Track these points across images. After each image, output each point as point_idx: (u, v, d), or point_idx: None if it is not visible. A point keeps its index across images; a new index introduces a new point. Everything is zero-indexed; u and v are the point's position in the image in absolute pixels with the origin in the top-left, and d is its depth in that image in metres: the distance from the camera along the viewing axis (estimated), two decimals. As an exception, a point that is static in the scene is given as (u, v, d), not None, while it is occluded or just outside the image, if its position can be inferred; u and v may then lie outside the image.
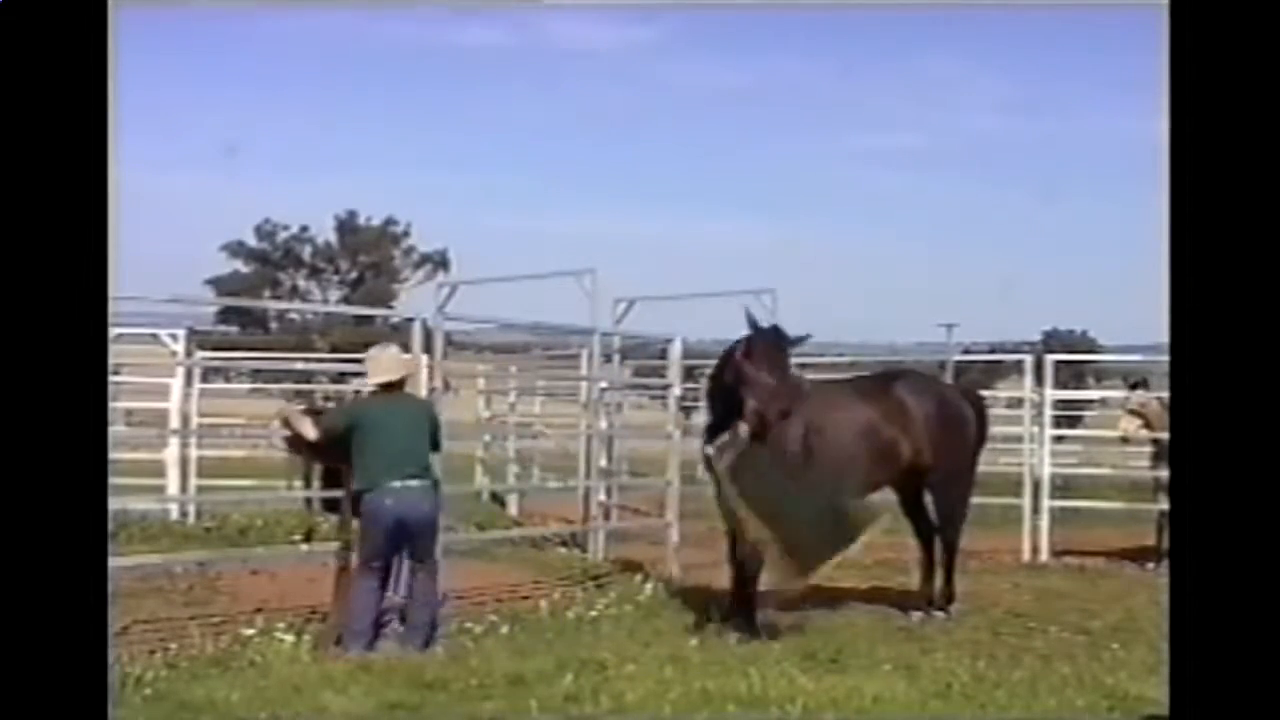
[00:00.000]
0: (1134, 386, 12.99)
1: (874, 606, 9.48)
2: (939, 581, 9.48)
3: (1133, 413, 12.50)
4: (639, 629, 8.11)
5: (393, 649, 7.26)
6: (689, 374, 12.67)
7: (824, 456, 8.74)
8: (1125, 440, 13.09)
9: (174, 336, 14.13)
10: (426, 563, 7.52)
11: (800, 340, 8.44)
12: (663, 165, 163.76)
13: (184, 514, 13.62)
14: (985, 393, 12.18)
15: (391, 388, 7.63)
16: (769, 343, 8.25)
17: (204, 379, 16.45)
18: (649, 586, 9.86)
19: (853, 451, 8.92)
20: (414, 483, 7.37)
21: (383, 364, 7.69)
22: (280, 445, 8.66)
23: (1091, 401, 22.23)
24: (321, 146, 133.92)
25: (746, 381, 8.04)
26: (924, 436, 9.07)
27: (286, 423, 7.92)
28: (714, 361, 9.30)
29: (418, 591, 7.48)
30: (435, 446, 7.73)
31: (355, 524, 7.51)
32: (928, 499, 9.54)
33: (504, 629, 7.97)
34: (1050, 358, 14.56)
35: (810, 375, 10.73)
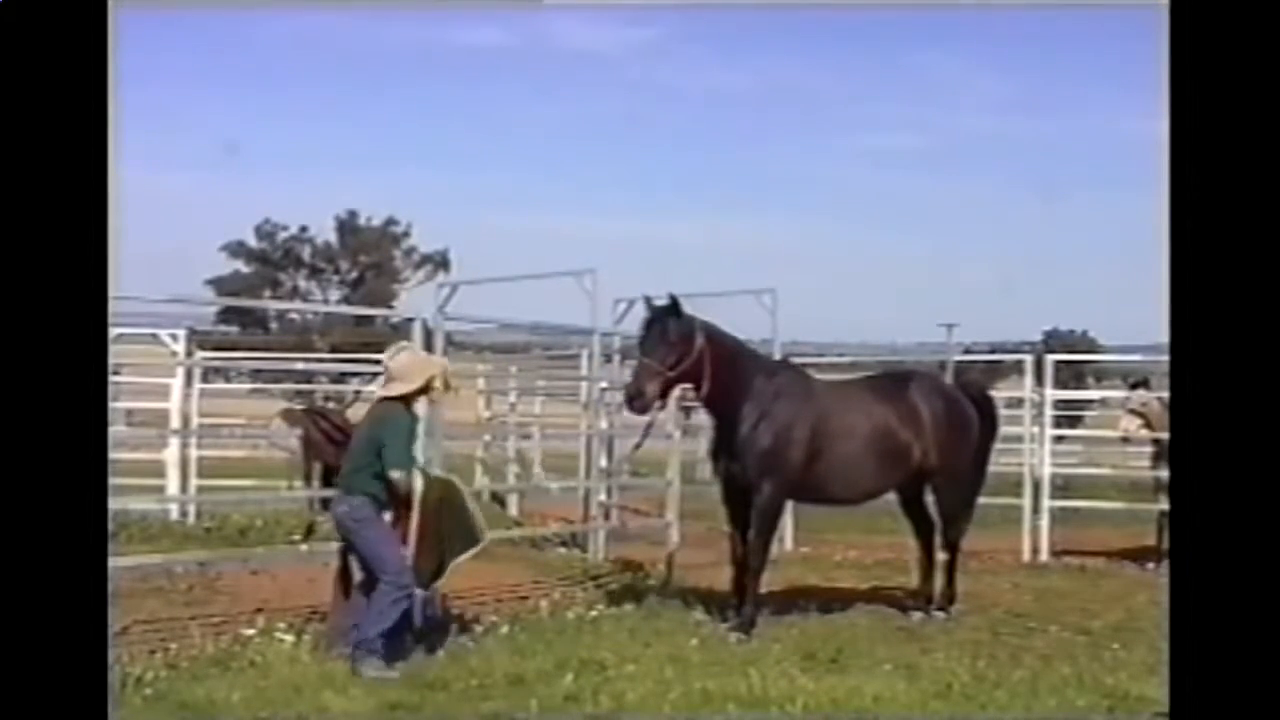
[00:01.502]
0: (1135, 386, 12.99)
1: (874, 606, 9.47)
2: (939, 581, 9.47)
3: (1133, 412, 12.50)
4: (639, 629, 8.09)
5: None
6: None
7: (834, 459, 8.73)
8: (1126, 440, 13.08)
9: (174, 336, 14.15)
10: (381, 578, 6.96)
11: (673, 306, 8.28)
12: (662, 165, 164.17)
13: (184, 514, 13.62)
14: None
15: (404, 395, 7.16)
16: (646, 327, 8.32)
17: (204, 379, 16.44)
18: (649, 586, 9.86)
19: (866, 455, 8.90)
20: (348, 495, 7.10)
21: (393, 372, 7.21)
22: (283, 443, 8.64)
23: (1091, 401, 22.23)
24: (321, 146, 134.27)
25: None
26: (931, 439, 9.04)
27: (292, 419, 7.88)
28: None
29: (370, 602, 6.97)
30: (380, 455, 6.98)
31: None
32: (929, 499, 9.53)
33: (504, 629, 7.97)
34: (1050, 358, 14.56)
35: (815, 375, 10.69)
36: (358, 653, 6.81)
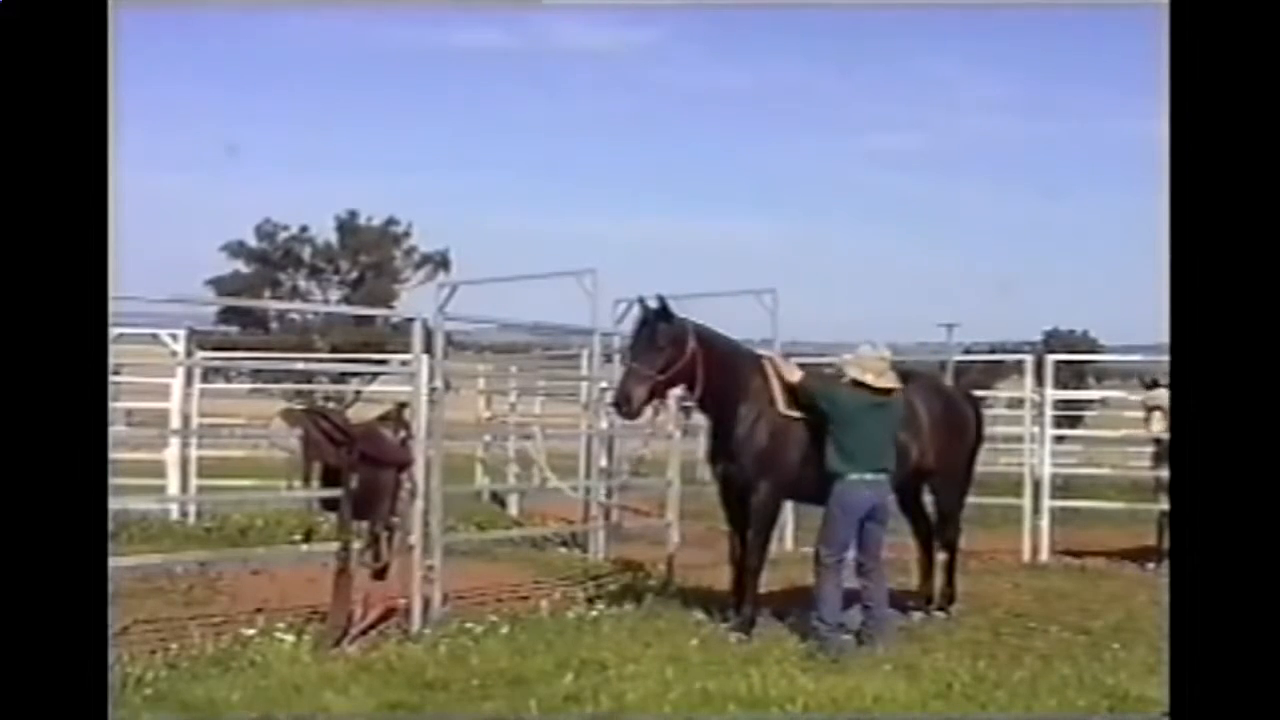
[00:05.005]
0: (1153, 385, 12.88)
1: (874, 606, 9.46)
2: (939, 581, 9.48)
3: (1156, 409, 12.35)
4: (639, 629, 8.09)
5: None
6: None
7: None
8: (1158, 441, 12.68)
9: (174, 336, 14.14)
10: (880, 562, 8.08)
11: (662, 310, 8.23)
12: (663, 165, 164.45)
13: (184, 514, 13.62)
14: (985, 393, 12.14)
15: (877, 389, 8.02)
16: (635, 332, 8.35)
17: (204, 379, 16.43)
18: (649, 586, 9.86)
19: None
20: (883, 475, 7.96)
21: (879, 367, 8.06)
22: (283, 443, 8.62)
23: (1092, 401, 22.22)
24: (321, 146, 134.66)
25: None
26: (929, 440, 9.03)
27: (292, 419, 7.88)
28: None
29: (873, 588, 7.99)
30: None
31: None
32: (927, 499, 9.53)
33: (504, 629, 7.96)
34: (1051, 358, 14.55)
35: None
36: (886, 628, 7.98)
